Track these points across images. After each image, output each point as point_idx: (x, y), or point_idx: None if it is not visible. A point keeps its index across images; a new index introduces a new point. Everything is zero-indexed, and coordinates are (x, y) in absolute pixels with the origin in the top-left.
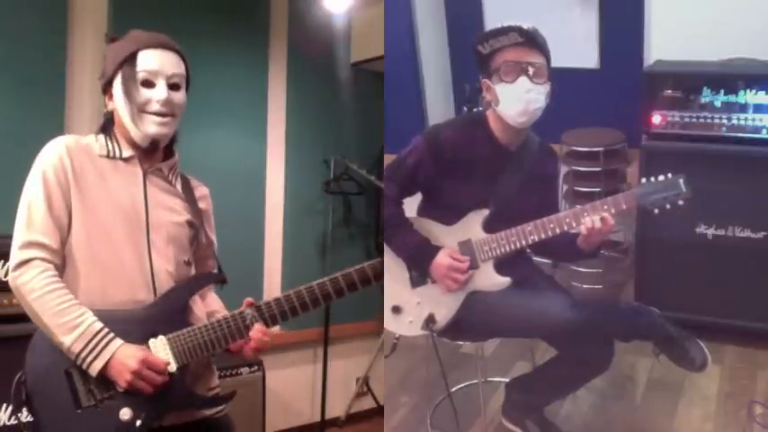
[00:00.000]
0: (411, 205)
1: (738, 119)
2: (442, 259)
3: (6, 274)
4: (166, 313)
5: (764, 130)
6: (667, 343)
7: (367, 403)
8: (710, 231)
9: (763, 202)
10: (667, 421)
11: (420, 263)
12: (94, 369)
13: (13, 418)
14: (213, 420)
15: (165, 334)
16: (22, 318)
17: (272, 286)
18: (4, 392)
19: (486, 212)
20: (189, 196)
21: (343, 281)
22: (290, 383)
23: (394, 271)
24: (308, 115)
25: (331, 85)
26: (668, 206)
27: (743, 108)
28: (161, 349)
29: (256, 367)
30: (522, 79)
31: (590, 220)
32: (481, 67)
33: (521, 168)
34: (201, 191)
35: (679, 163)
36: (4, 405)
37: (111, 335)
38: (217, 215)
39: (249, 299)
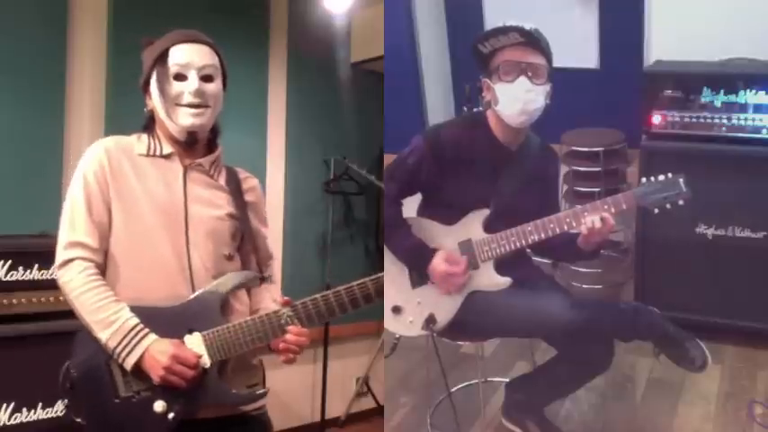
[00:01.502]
0: (411, 206)
1: (738, 119)
2: (437, 265)
3: (6, 275)
4: (203, 310)
5: (764, 130)
6: (667, 343)
7: (367, 403)
8: (710, 231)
9: (763, 202)
10: (667, 421)
11: (417, 266)
12: (128, 364)
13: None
14: (249, 417)
15: (201, 330)
16: (22, 318)
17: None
18: (5, 391)
19: (486, 212)
20: (235, 189)
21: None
22: (290, 383)
23: (394, 271)
24: (308, 115)
25: (331, 85)
26: (668, 206)
27: (743, 108)
28: (196, 346)
29: None
30: (522, 79)
31: (590, 220)
32: (481, 67)
33: (521, 168)
34: (250, 183)
35: (679, 163)
36: (5, 405)
37: (145, 331)
38: None
39: (286, 297)
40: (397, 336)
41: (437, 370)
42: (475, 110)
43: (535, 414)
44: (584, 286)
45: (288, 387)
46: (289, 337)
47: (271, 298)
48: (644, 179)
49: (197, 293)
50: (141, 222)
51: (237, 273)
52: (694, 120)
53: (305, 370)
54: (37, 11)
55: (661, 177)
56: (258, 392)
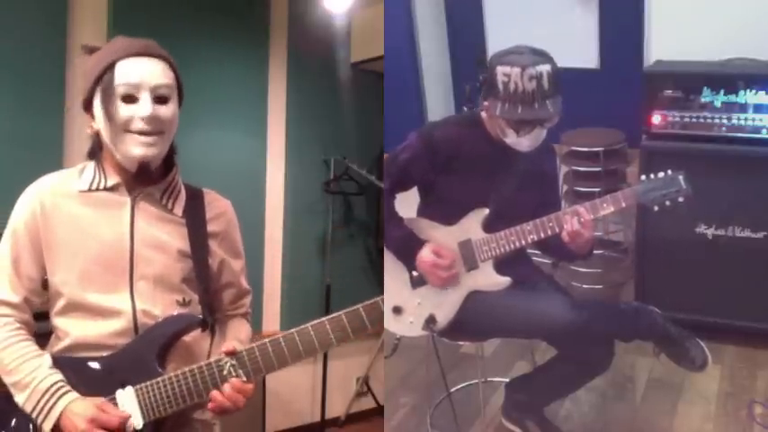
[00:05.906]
0: (411, 206)
1: (738, 119)
2: (425, 256)
3: None
4: (137, 361)
5: (764, 130)
6: (668, 343)
7: (367, 403)
8: (710, 231)
9: (763, 201)
10: (667, 421)
11: (405, 256)
12: (46, 429)
13: None
14: None
15: (135, 384)
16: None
17: (272, 287)
18: None
19: (485, 212)
20: (195, 220)
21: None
22: (290, 383)
23: (394, 271)
24: (308, 115)
25: (331, 85)
26: (668, 203)
27: (743, 108)
28: (128, 402)
29: None
30: (537, 130)
31: (569, 223)
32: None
33: (519, 166)
34: (216, 209)
35: (679, 163)
36: None
37: (63, 390)
38: None
39: (229, 346)
40: (398, 336)
41: (437, 370)
42: (475, 110)
43: (535, 414)
44: (584, 286)
45: (288, 387)
46: (227, 391)
47: (238, 339)
48: (643, 176)
49: (133, 341)
50: (82, 272)
51: (176, 316)
52: (694, 120)
53: (305, 370)
54: (37, 11)
55: (661, 174)
56: None
